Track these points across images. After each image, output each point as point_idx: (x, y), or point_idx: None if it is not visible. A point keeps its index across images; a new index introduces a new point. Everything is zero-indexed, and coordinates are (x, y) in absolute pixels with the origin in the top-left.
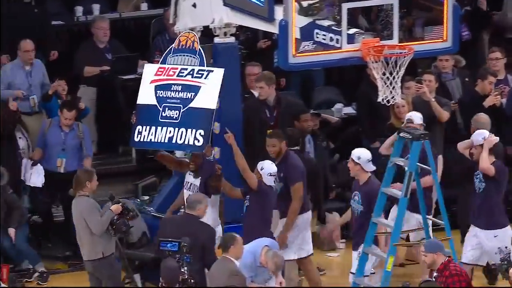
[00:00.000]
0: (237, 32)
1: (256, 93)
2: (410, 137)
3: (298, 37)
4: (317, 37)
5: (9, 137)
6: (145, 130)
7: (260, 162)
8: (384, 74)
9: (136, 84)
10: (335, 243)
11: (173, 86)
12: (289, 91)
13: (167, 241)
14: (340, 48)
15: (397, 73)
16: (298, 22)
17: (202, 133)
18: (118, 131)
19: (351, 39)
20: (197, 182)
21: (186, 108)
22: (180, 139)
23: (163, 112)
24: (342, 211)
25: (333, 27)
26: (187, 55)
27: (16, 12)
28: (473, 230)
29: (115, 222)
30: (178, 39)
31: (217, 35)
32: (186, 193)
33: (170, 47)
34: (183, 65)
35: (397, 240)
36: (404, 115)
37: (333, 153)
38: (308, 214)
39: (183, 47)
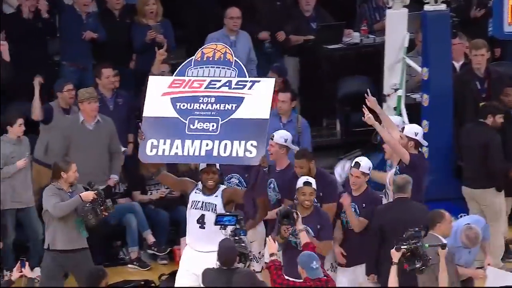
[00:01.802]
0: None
1: (456, 64)
2: None
3: None
4: None
5: None
6: (163, 144)
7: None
8: None
9: (342, 53)
10: None
11: (201, 98)
12: (505, 61)
13: (224, 215)
14: None
15: None
16: None
17: (255, 143)
18: (322, 103)
19: None
20: (212, 200)
21: (226, 119)
22: (224, 152)
23: (191, 125)
24: None
25: None
26: (217, 67)
27: None
28: None
29: (82, 208)
30: (201, 51)
31: (427, 2)
32: (195, 212)
33: (190, 59)
34: (213, 77)
35: None
36: None
37: None
38: None
39: (210, 59)
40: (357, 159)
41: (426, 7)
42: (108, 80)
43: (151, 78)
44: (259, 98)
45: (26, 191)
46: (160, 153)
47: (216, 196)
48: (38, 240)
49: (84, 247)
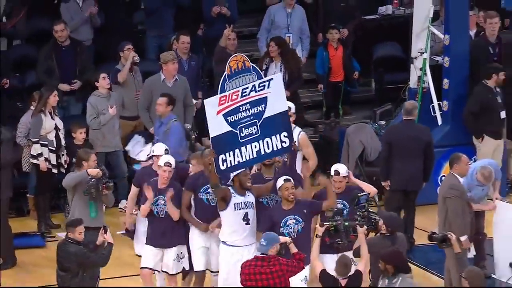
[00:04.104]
0: None
1: (471, 33)
2: None
3: None
4: None
5: None
6: (230, 156)
7: None
8: None
9: (377, 23)
10: None
11: (241, 107)
12: None
13: (360, 196)
14: None
15: None
16: None
17: (286, 134)
18: (360, 64)
19: None
20: (249, 198)
21: (262, 120)
22: (268, 148)
23: (241, 133)
24: None
25: None
26: (243, 76)
27: None
28: None
29: (87, 182)
30: (228, 65)
31: None
32: (240, 212)
33: (224, 75)
34: (243, 85)
35: None
36: None
37: None
38: None
39: (236, 70)
40: (335, 168)
41: None
42: (184, 45)
43: (205, 102)
44: (276, 94)
45: (114, 137)
46: (229, 165)
47: (249, 194)
48: (123, 178)
49: (94, 226)
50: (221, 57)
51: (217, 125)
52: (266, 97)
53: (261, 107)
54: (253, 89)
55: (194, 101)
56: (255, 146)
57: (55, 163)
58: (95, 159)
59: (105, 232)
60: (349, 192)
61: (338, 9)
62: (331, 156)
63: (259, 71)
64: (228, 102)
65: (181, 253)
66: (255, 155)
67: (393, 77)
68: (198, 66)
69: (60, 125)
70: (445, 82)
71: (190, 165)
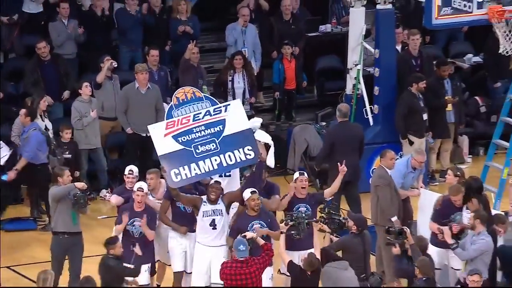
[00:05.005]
0: (393, 1)
1: (398, 48)
2: None
3: (440, 4)
4: (454, 4)
5: None
6: (184, 170)
7: None
8: (505, 32)
9: (318, 39)
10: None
11: (194, 129)
12: (434, 45)
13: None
14: (471, 12)
15: None
16: None
17: (250, 148)
18: (306, 74)
19: (479, 5)
20: (218, 206)
21: (221, 138)
22: (231, 161)
23: (196, 150)
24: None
25: None
26: (193, 104)
27: None
28: None
29: (77, 194)
30: (175, 96)
31: (379, 3)
32: (207, 219)
33: (170, 104)
34: (194, 112)
35: None
36: None
37: (464, 91)
38: None
39: (184, 100)
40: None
41: (378, 6)
42: (153, 58)
43: (150, 128)
44: (235, 115)
45: (95, 137)
46: (184, 177)
47: (219, 203)
48: (104, 171)
49: (78, 231)
50: (185, 67)
51: (164, 146)
52: (224, 119)
53: (219, 127)
54: (207, 113)
55: (165, 105)
56: (215, 160)
57: None
58: (69, 175)
59: (134, 247)
60: (312, 197)
61: (290, 30)
62: (280, 152)
63: (213, 98)
64: (177, 126)
65: (149, 267)
66: (216, 167)
67: (332, 85)
68: (167, 76)
69: (49, 125)
70: (376, 89)
71: (148, 177)
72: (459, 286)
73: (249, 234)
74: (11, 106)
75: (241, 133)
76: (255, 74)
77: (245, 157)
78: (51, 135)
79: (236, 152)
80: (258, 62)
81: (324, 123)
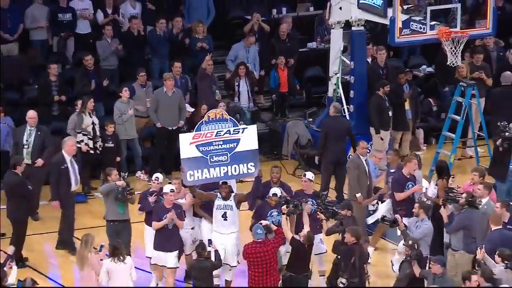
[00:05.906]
0: (365, 24)
1: (369, 60)
2: (465, 85)
3: (401, 26)
4: (412, 26)
5: None
6: (197, 172)
7: None
8: (451, 48)
9: (307, 54)
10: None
11: (214, 142)
12: (396, 58)
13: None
14: (425, 33)
15: (459, 47)
16: (401, 17)
17: (253, 164)
18: (298, 81)
19: (432, 27)
20: (229, 202)
21: (232, 153)
22: (235, 172)
23: (211, 159)
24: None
25: (421, 21)
26: (219, 123)
27: None
28: None
29: (118, 190)
30: (207, 115)
31: (354, 26)
32: (220, 211)
33: (201, 121)
34: (218, 129)
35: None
36: (462, 73)
37: (420, 94)
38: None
39: (213, 119)
40: (305, 173)
41: (353, 28)
42: (176, 69)
43: (181, 136)
44: (248, 138)
45: (132, 129)
46: (196, 178)
47: (231, 200)
48: (139, 157)
49: (125, 219)
50: (202, 76)
51: (188, 151)
52: (239, 139)
53: (233, 144)
54: (227, 132)
55: (187, 106)
56: (223, 169)
57: (92, 147)
58: (116, 174)
59: (210, 243)
60: (315, 193)
61: (286, 47)
62: (277, 142)
63: (235, 121)
64: (201, 138)
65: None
66: (222, 175)
67: (317, 89)
68: (187, 82)
69: (96, 121)
70: (351, 93)
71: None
72: None
73: (264, 222)
74: (66, 107)
75: (248, 152)
76: (256, 78)
77: (247, 171)
78: (97, 129)
79: (241, 165)
80: (257, 72)
81: (311, 119)
